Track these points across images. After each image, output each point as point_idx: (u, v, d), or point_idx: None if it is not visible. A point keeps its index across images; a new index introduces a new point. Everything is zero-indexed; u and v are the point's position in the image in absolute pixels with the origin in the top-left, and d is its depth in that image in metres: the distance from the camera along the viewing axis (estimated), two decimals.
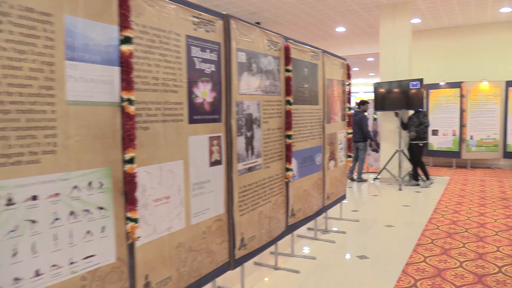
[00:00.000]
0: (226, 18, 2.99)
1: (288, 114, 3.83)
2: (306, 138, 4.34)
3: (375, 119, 9.37)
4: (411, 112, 8.22)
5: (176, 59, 2.54)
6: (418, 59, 10.79)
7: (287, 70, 3.83)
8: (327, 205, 5.00)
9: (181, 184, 2.62)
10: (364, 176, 9.16)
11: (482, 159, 10.31)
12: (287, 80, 3.83)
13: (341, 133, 5.42)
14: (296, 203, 4.14)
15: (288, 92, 3.83)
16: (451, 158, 10.43)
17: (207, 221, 2.86)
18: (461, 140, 10.05)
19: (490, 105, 10.02)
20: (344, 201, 5.67)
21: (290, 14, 9.19)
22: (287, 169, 3.88)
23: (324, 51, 4.81)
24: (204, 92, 2.81)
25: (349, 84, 5.60)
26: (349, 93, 5.60)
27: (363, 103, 8.90)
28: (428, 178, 7.95)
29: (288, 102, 3.83)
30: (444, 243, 4.52)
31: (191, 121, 2.67)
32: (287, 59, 3.83)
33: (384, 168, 8.43)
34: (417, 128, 7.83)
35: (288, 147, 3.87)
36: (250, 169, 3.31)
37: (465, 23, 10.40)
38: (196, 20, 2.71)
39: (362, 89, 27.12)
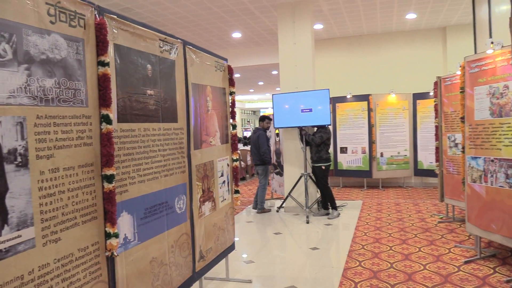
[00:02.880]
0: None
1: (106, 140, 2.19)
2: (153, 175, 2.72)
3: (278, 136, 8.08)
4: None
5: None
6: (322, 70, 9.83)
7: (102, 64, 2.19)
8: (201, 269, 3.40)
9: None
10: (268, 204, 7.78)
11: (394, 177, 9.51)
12: (103, 80, 2.19)
13: (222, 160, 3.88)
14: (135, 287, 2.47)
15: (105, 101, 2.19)
16: (362, 178, 9.49)
17: None
18: (371, 158, 9.15)
19: (399, 119, 9.27)
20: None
21: (174, 13, 7.61)
22: (109, 235, 2.22)
23: (187, 43, 3.27)
24: None
25: (232, 93, 4.11)
26: (233, 105, 4.11)
27: (262, 118, 7.55)
28: (334, 208, 6.72)
29: (105, 119, 2.19)
30: None
31: None
32: (102, 44, 2.20)
33: (288, 195, 7.09)
34: (317, 147, 6.61)
35: (108, 197, 2.21)
36: None
37: (371, 31, 9.64)
38: None
39: (271, 105, 26.39)
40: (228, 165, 4.03)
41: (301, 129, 6.77)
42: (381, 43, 9.84)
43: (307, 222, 6.34)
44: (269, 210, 7.31)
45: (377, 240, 5.23)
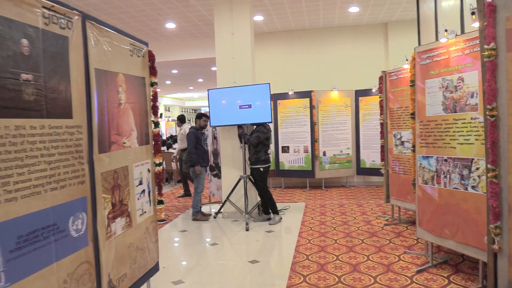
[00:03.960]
0: None
1: None
2: (32, 190, 2.01)
3: (215, 138, 7.43)
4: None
5: None
6: (263, 65, 9.35)
7: None
8: None
9: None
10: (204, 209, 7.14)
11: (336, 177, 9.22)
12: None
13: (141, 165, 3.20)
14: None
15: None
16: (304, 178, 9.11)
17: None
18: (314, 157, 8.79)
19: (342, 117, 8.98)
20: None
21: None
22: None
23: (89, 17, 2.56)
24: None
25: (154, 84, 3.44)
26: (155, 98, 3.43)
27: (199, 116, 6.87)
28: (276, 212, 6.22)
29: None
30: None
31: None
32: None
33: (226, 199, 6.50)
34: (255, 148, 6.09)
35: None
36: None
37: (313, 25, 9.28)
38: None
39: None
40: (149, 170, 3.35)
41: (239, 127, 6.21)
42: (323, 38, 9.52)
43: (247, 230, 5.78)
44: (208, 217, 6.65)
45: (322, 249, 4.77)
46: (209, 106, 6.41)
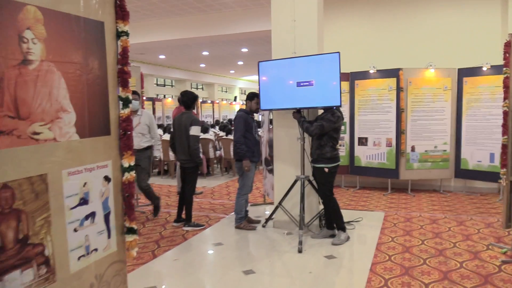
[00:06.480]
0: None
1: None
2: None
3: (271, 123, 5.96)
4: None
5: None
6: (337, 37, 7.66)
7: None
8: None
9: None
10: (257, 212, 5.76)
11: (428, 179, 7.31)
12: None
13: (86, 172, 1.86)
14: None
15: None
16: (385, 178, 7.33)
17: None
18: (399, 152, 6.98)
19: (439, 103, 7.01)
20: None
21: None
22: None
23: None
24: None
25: (123, 35, 2.06)
26: (124, 57, 2.06)
27: (251, 97, 5.37)
28: (342, 228, 4.63)
29: None
30: None
31: None
32: None
33: (278, 205, 5.04)
34: (319, 141, 4.54)
35: None
36: None
37: None
38: None
39: None
40: (108, 179, 2.01)
41: (296, 111, 4.68)
42: (417, 3, 7.53)
43: (299, 251, 4.28)
44: (255, 225, 5.27)
45: None
46: (259, 84, 4.96)
